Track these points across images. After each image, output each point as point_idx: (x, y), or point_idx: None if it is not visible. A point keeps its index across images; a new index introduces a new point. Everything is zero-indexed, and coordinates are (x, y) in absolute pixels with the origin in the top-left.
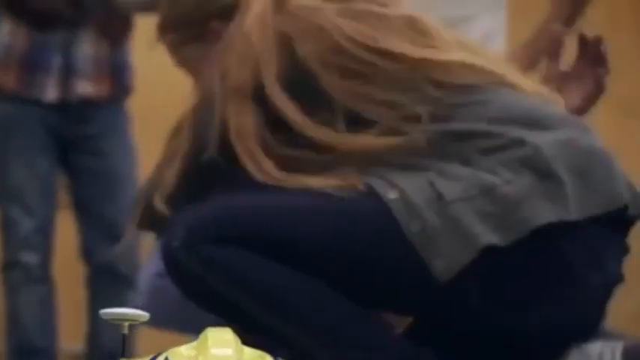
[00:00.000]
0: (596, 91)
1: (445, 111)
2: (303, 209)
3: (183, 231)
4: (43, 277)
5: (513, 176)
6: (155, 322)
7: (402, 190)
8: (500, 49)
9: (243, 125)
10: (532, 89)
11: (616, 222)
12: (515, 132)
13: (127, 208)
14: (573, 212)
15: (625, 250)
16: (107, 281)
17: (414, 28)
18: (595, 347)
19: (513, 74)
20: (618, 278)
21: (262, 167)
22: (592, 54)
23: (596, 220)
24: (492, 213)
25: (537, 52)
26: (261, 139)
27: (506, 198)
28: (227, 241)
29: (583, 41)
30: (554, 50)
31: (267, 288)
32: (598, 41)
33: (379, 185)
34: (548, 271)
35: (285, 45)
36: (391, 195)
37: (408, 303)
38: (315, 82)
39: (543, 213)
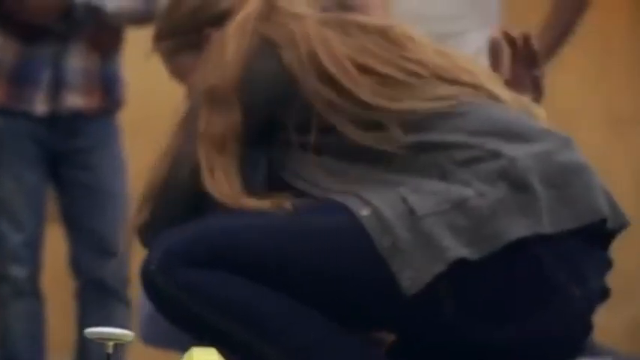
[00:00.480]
0: (536, 96)
1: (423, 121)
2: (278, 229)
3: (160, 254)
4: (31, 290)
5: (487, 188)
6: (155, 342)
7: (374, 207)
8: None
9: (210, 132)
10: (513, 101)
11: (596, 236)
12: (493, 144)
13: (116, 222)
14: (548, 225)
15: (608, 264)
16: (96, 295)
17: (386, 37)
18: None
19: (493, 85)
20: (602, 293)
21: (213, 178)
22: (524, 55)
23: (575, 234)
24: (464, 227)
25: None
26: (229, 149)
27: (479, 211)
28: (203, 263)
29: (511, 42)
30: (493, 59)
31: (244, 308)
32: (527, 39)
33: (352, 203)
34: (526, 284)
35: (271, 51)
36: (364, 212)
37: (384, 319)
38: (297, 89)
39: (516, 227)
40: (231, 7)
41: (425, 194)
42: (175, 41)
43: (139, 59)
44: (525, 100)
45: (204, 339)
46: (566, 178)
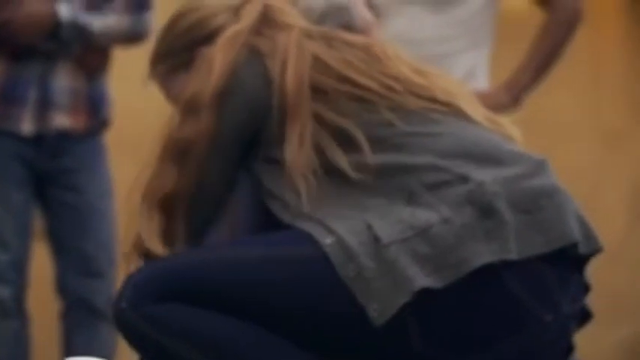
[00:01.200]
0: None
1: (396, 139)
2: (244, 262)
3: (129, 291)
4: (17, 311)
5: (453, 214)
6: None
7: (338, 235)
8: (484, 84)
9: (175, 138)
10: (487, 121)
11: (570, 260)
12: (461, 167)
13: (103, 242)
14: (514, 251)
15: (584, 287)
16: (82, 315)
17: (368, 53)
18: None
19: (468, 105)
20: (583, 315)
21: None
22: None
23: (545, 259)
24: (428, 254)
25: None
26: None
27: (443, 239)
28: (170, 298)
29: None
30: None
31: (212, 341)
32: None
33: (317, 231)
34: (493, 311)
35: (257, 60)
36: (328, 240)
37: (355, 348)
38: (273, 98)
39: (481, 253)
40: (223, 25)
41: (390, 221)
42: (170, 63)
43: (126, 78)
44: (501, 120)
45: None
46: (537, 203)
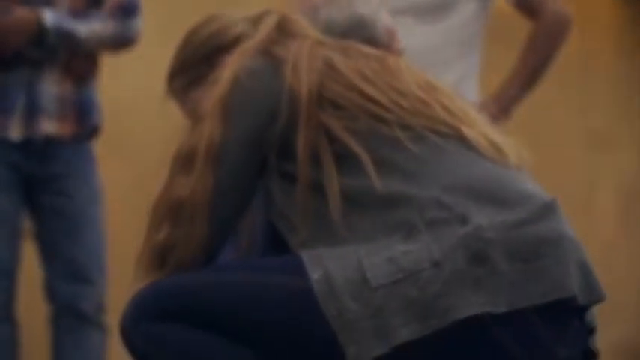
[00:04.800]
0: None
1: (405, 164)
2: (238, 287)
3: (131, 310)
4: (6, 317)
5: (445, 257)
6: None
7: (326, 270)
8: (473, 93)
9: (180, 150)
10: (492, 147)
11: (568, 308)
12: (464, 206)
13: (92, 248)
14: (503, 303)
15: (586, 331)
16: (72, 321)
17: (382, 64)
18: None
19: (472, 128)
20: (586, 356)
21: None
22: None
23: (541, 308)
24: (416, 299)
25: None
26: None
27: (432, 283)
28: (168, 318)
29: None
30: None
31: None
32: None
33: (310, 262)
34: (477, 358)
35: (274, 65)
36: (315, 274)
37: None
38: (295, 113)
39: (468, 304)
40: (241, 35)
41: (382, 258)
42: (187, 76)
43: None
44: (504, 144)
45: None
46: (537, 251)
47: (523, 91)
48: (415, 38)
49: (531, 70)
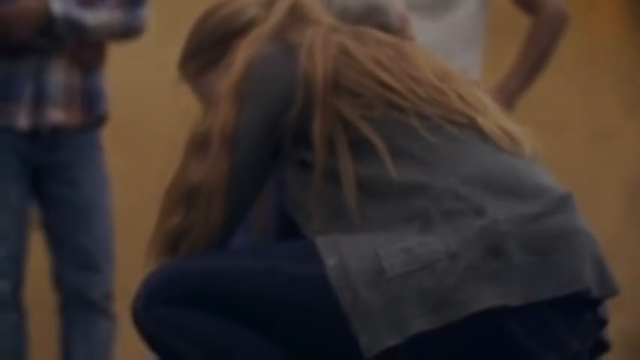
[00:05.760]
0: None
1: (422, 154)
2: (251, 273)
3: (143, 293)
4: (14, 304)
5: (461, 250)
6: None
7: (342, 257)
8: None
9: (194, 134)
10: (507, 137)
11: (581, 301)
12: (480, 198)
13: (100, 236)
14: (517, 297)
15: (598, 323)
16: (80, 309)
17: (398, 51)
18: None
19: (487, 118)
20: (599, 347)
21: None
22: None
23: (554, 301)
24: (430, 291)
25: None
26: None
27: (447, 276)
28: (180, 302)
29: None
30: None
31: (217, 345)
32: None
33: (324, 248)
34: (491, 354)
35: (288, 50)
36: (330, 261)
37: None
38: (311, 100)
39: (483, 297)
40: (254, 19)
41: (398, 248)
42: (201, 59)
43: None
44: (524, 133)
45: None
46: (552, 244)
47: (525, 84)
48: (420, 34)
49: (532, 63)
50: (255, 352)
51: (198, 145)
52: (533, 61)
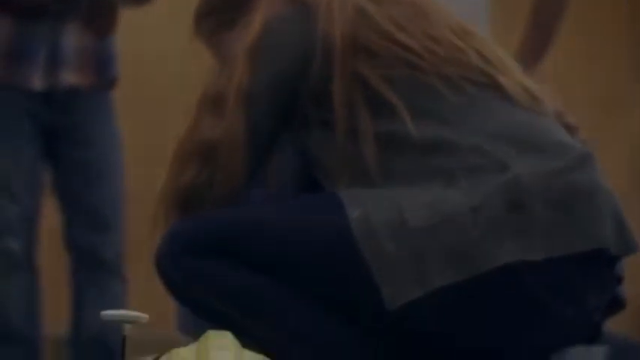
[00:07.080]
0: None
1: (443, 113)
2: (276, 225)
3: (169, 243)
4: (27, 265)
5: (483, 204)
6: (189, 332)
7: (366, 210)
8: None
9: (208, 93)
10: (527, 95)
11: (600, 257)
12: (504, 153)
13: (112, 196)
14: (539, 251)
15: (615, 280)
16: (91, 269)
17: (415, 8)
18: (578, 350)
19: (507, 75)
20: (615, 304)
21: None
22: None
23: (573, 255)
24: (453, 244)
25: None
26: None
27: (469, 230)
28: (205, 252)
29: None
30: None
31: (241, 295)
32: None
33: (348, 200)
34: (511, 307)
35: (305, 11)
36: (354, 213)
37: (369, 320)
38: (330, 60)
39: (504, 251)
40: None
41: (421, 203)
42: (216, 19)
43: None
44: (542, 91)
45: (215, 322)
46: (572, 201)
47: (535, 60)
48: None
49: (540, 39)
50: (279, 302)
51: (211, 102)
52: (542, 36)
